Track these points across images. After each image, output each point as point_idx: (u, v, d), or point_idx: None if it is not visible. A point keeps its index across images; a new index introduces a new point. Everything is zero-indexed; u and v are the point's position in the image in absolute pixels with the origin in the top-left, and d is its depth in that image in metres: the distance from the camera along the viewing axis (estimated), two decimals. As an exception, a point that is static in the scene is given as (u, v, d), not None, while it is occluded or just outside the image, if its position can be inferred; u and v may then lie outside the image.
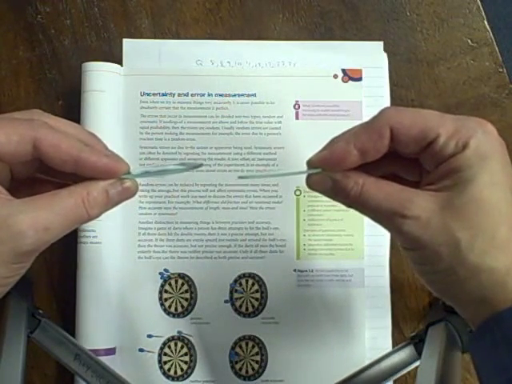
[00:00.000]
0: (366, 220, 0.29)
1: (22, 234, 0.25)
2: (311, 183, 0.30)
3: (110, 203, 0.29)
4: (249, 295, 0.42)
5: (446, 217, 0.26)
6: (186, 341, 0.41)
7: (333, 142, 0.29)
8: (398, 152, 0.28)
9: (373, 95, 0.43)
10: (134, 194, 0.30)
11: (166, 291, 0.42)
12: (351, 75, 0.43)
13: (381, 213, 0.27)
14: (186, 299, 0.42)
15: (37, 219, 0.26)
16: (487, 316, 0.26)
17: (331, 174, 0.29)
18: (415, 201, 0.26)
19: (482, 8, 0.45)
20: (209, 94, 0.43)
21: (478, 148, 0.27)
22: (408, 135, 0.27)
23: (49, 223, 0.26)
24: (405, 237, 0.27)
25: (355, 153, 0.27)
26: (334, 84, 0.43)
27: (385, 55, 0.44)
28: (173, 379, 0.41)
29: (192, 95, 0.43)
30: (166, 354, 0.41)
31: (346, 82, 0.43)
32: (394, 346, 0.41)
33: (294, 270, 0.42)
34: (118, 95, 0.42)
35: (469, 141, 0.27)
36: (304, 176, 0.44)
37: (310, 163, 0.30)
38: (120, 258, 0.41)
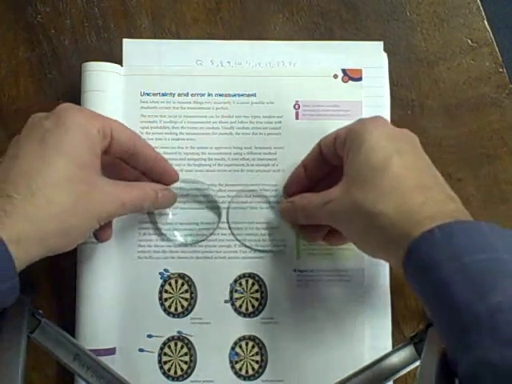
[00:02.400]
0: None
1: (109, 200, 0.34)
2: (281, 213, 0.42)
3: (158, 204, 0.39)
4: (249, 295, 0.42)
5: (349, 188, 0.33)
6: (186, 341, 0.41)
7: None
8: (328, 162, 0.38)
9: (373, 95, 0.43)
10: (172, 204, 0.41)
11: (166, 291, 0.42)
12: (351, 75, 0.43)
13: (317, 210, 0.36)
14: (186, 299, 0.42)
15: (118, 195, 0.35)
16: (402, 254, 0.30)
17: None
18: (331, 190, 0.35)
19: (481, 8, 0.45)
20: (209, 94, 0.43)
21: (356, 128, 0.35)
22: (325, 146, 0.38)
23: (125, 201, 0.35)
24: (332, 218, 0.35)
25: (302, 169, 0.40)
26: (334, 84, 0.43)
27: (385, 55, 0.44)
28: (173, 379, 0.41)
29: (192, 95, 0.43)
30: (165, 354, 0.41)
31: (346, 82, 0.43)
32: (393, 346, 0.41)
33: (294, 270, 0.42)
34: (117, 95, 0.42)
35: (351, 127, 0.36)
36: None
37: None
38: (120, 258, 0.41)
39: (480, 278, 0.26)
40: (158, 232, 0.42)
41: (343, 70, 0.43)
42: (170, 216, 0.42)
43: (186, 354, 0.41)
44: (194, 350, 0.41)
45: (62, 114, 0.33)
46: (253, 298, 0.42)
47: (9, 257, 0.29)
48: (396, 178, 0.32)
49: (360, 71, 0.43)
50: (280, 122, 0.43)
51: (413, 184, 0.31)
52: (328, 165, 0.38)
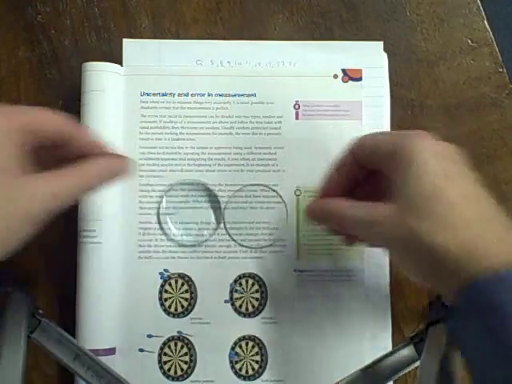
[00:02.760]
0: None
1: (35, 196, 0.31)
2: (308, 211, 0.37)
3: (103, 177, 0.35)
4: (249, 295, 0.42)
5: (403, 214, 0.31)
6: (186, 341, 0.41)
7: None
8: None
9: (373, 95, 0.43)
10: (122, 173, 0.36)
11: (166, 291, 0.42)
12: (351, 75, 0.43)
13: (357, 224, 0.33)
14: (186, 299, 0.42)
15: (44, 188, 0.31)
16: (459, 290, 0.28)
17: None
18: (379, 209, 0.32)
19: (481, 8, 0.45)
20: (209, 94, 0.43)
21: (402, 146, 0.32)
22: (361, 155, 0.34)
23: (55, 190, 0.31)
24: (382, 241, 0.33)
25: (335, 174, 0.36)
26: (334, 84, 0.43)
27: (385, 55, 0.44)
28: (173, 379, 0.41)
29: (192, 95, 0.43)
30: (166, 354, 0.41)
31: (346, 82, 0.43)
32: (393, 346, 0.41)
33: (294, 270, 0.42)
34: (117, 95, 0.42)
35: (396, 142, 0.32)
36: (304, 175, 0.44)
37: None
38: (120, 258, 0.41)
39: None
40: (159, 232, 0.42)
41: (343, 70, 0.43)
42: (171, 216, 0.42)
43: (185, 354, 0.41)
44: (194, 350, 0.41)
45: None
46: (253, 297, 0.42)
47: None
48: (452, 207, 0.30)
49: (360, 71, 0.43)
50: (280, 122, 0.43)
51: (470, 215, 0.30)
52: (364, 169, 0.36)
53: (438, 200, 0.30)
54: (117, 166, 0.36)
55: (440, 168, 0.31)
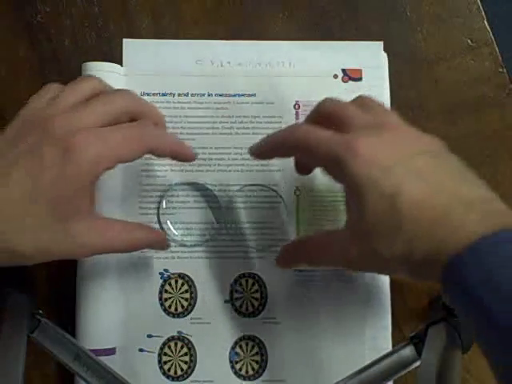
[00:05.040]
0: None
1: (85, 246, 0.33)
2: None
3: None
4: (249, 295, 0.42)
5: (368, 245, 0.30)
6: (186, 341, 0.41)
7: None
8: None
9: (373, 95, 0.43)
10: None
11: (166, 291, 0.42)
12: (351, 75, 0.43)
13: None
14: (186, 299, 0.42)
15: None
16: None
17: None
18: (346, 251, 0.31)
19: (481, 8, 0.45)
20: (209, 94, 0.43)
21: (336, 159, 0.31)
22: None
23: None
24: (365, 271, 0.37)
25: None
26: (334, 84, 0.43)
27: (385, 55, 0.44)
28: (173, 379, 0.41)
29: (192, 95, 0.43)
30: (166, 354, 0.41)
31: (346, 82, 0.43)
32: (393, 346, 0.41)
33: (294, 270, 0.42)
34: (118, 95, 0.42)
35: (329, 153, 0.31)
36: (304, 176, 0.43)
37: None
38: (120, 258, 0.41)
39: None
40: (158, 232, 0.42)
41: (343, 70, 0.43)
42: (171, 216, 0.42)
43: (185, 354, 0.41)
44: (194, 349, 0.41)
45: (72, 147, 0.31)
46: (253, 297, 0.42)
47: None
48: (410, 217, 0.28)
49: (360, 71, 0.43)
50: (280, 122, 0.43)
51: (431, 215, 0.28)
52: None
53: (395, 216, 0.29)
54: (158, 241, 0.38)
55: (381, 179, 0.29)
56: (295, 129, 0.34)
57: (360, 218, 0.30)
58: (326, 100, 0.35)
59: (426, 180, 0.29)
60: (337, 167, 0.31)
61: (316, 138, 0.32)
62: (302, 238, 0.38)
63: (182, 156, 0.36)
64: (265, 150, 0.36)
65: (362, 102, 0.35)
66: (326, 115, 0.34)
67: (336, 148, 0.30)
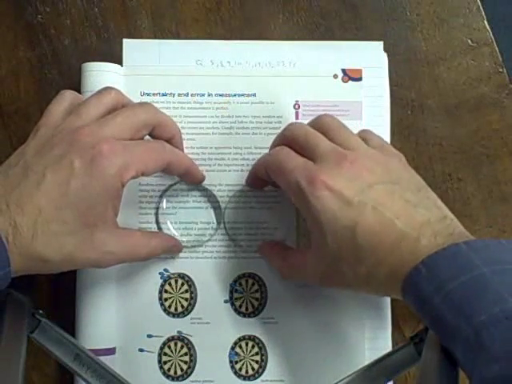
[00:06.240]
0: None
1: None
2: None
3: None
4: (249, 295, 0.42)
5: (334, 271, 0.34)
6: (186, 341, 0.41)
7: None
8: None
9: (373, 95, 0.43)
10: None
11: (166, 291, 0.42)
12: (351, 75, 0.43)
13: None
14: (186, 299, 0.42)
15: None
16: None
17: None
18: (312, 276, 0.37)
19: (481, 8, 0.45)
20: (209, 94, 0.43)
21: (299, 197, 0.34)
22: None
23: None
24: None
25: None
26: (334, 84, 0.43)
27: (385, 55, 0.44)
28: (173, 379, 0.41)
29: (192, 95, 0.43)
30: (165, 354, 0.41)
31: (346, 82, 0.43)
32: (393, 346, 0.41)
33: (294, 270, 0.42)
34: (117, 95, 0.42)
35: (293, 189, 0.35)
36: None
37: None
38: (120, 258, 0.41)
39: (464, 302, 0.27)
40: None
41: (343, 70, 0.43)
42: (170, 216, 0.42)
43: (185, 354, 0.41)
44: (194, 350, 0.41)
45: (99, 157, 0.32)
46: (253, 297, 0.42)
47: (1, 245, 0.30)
48: (368, 246, 0.32)
49: (360, 71, 0.43)
50: (280, 122, 0.43)
51: (388, 242, 0.31)
52: None
53: (355, 246, 0.32)
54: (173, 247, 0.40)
55: (339, 213, 0.32)
56: (274, 153, 0.37)
57: (323, 244, 0.33)
58: (291, 125, 0.38)
59: (382, 210, 0.32)
60: (300, 197, 0.34)
61: (290, 165, 0.35)
62: (280, 251, 0.40)
63: (193, 176, 0.40)
64: (252, 179, 0.41)
65: (327, 127, 0.37)
66: (291, 141, 0.37)
67: (300, 179, 0.33)
